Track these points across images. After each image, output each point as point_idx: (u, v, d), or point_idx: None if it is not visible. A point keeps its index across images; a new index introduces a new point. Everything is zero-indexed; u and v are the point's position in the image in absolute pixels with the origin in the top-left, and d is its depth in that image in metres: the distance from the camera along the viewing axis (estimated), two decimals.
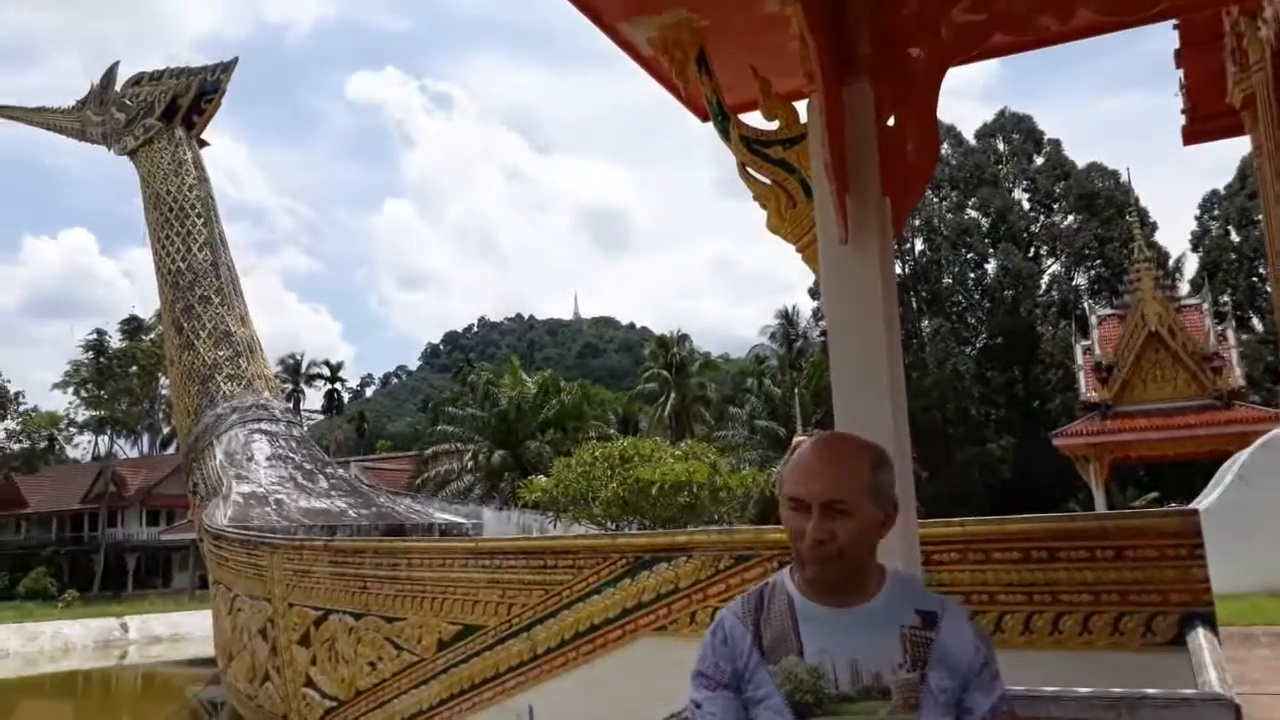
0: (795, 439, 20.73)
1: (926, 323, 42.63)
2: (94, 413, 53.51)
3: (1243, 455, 16.62)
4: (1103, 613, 6.26)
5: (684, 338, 53.68)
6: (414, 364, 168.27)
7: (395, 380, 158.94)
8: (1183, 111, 7.67)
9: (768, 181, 5.22)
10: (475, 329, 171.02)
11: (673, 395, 48.82)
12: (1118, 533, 6.28)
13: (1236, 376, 23.69)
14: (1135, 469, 31.79)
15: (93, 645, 32.88)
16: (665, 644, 8.69)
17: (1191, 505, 10.34)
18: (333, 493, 19.50)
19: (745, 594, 1.72)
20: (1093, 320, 26.78)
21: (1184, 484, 24.19)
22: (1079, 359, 26.44)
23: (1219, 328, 24.62)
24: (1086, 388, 25.31)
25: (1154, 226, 42.31)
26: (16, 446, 64.50)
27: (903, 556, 3.26)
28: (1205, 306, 25.41)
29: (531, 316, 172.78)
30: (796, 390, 29.54)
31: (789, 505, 1.61)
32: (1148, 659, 5.96)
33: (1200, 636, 5.68)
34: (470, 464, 39.89)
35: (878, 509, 1.60)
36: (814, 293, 47.33)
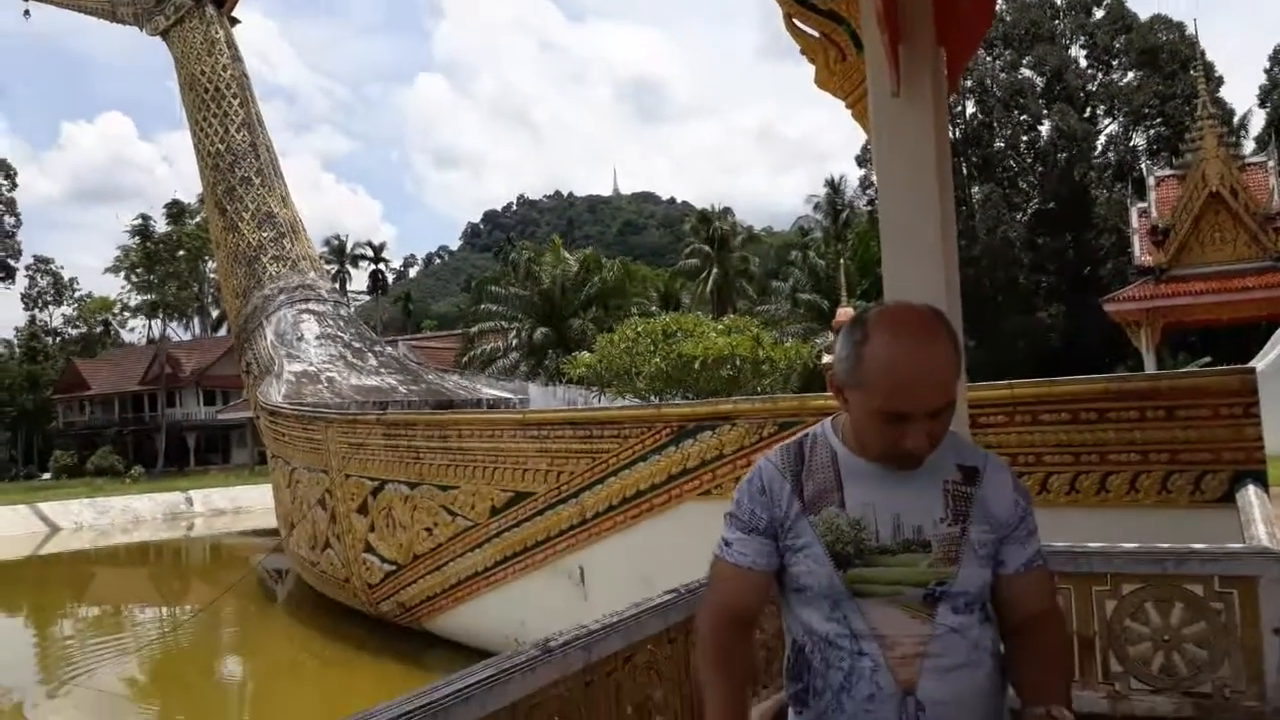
0: (840, 312, 20.51)
1: (977, 189, 41.39)
2: (145, 297, 54.67)
3: None
4: (1151, 472, 6.24)
5: (726, 211, 52.99)
6: (455, 244, 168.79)
7: (438, 260, 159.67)
8: None
9: (815, 34, 4.99)
10: (515, 207, 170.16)
11: (715, 270, 48.46)
12: (1170, 392, 6.19)
13: None
14: (1188, 334, 31.19)
15: (161, 518, 34.48)
16: (710, 508, 8.89)
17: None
18: (382, 370, 19.83)
19: (784, 445, 1.70)
20: (1150, 182, 25.83)
21: (1238, 349, 23.64)
22: (1134, 222, 25.65)
23: None
24: (1141, 252, 24.63)
25: (1219, 81, 40.16)
26: (74, 331, 66.47)
27: (954, 420, 3.22)
28: (1271, 165, 24.34)
29: (571, 193, 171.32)
30: (842, 262, 29.08)
31: (882, 418, 1.50)
32: (1196, 516, 5.97)
33: (1250, 494, 5.64)
34: (514, 342, 40.25)
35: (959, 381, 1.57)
36: (861, 159, 46.07)
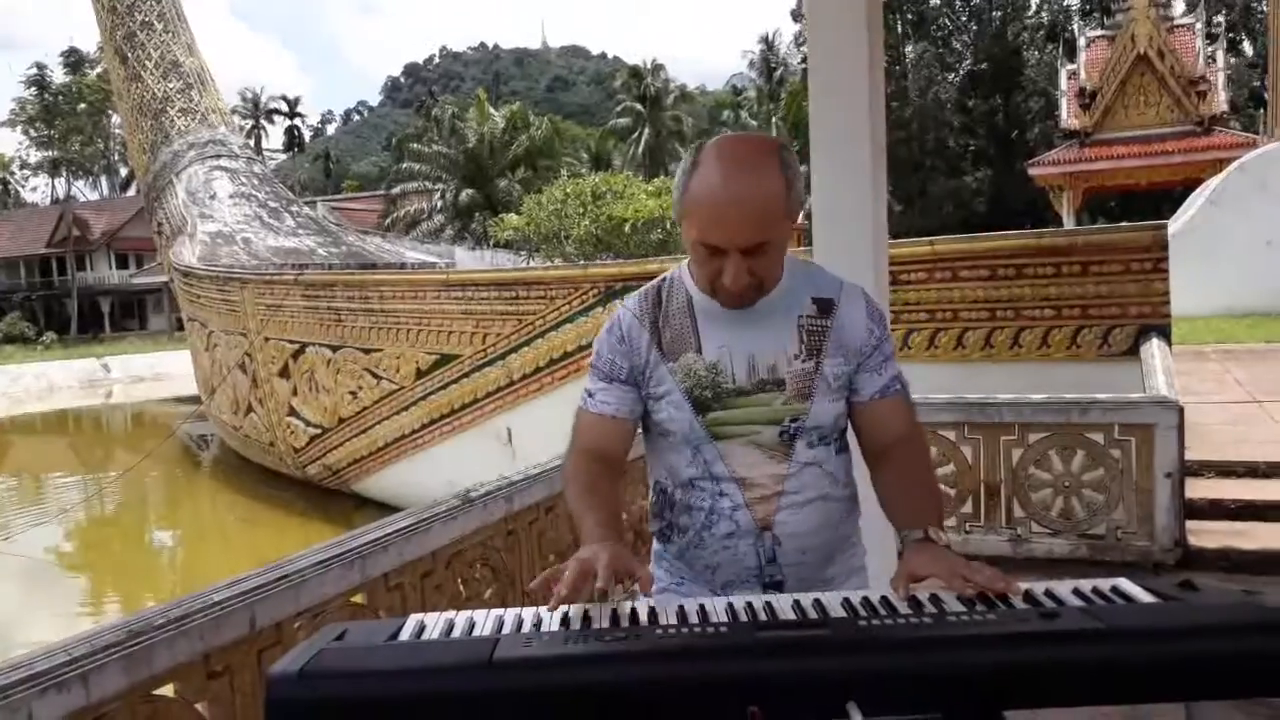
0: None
1: (910, 48, 40.89)
2: (46, 153, 51.63)
3: (1215, 180, 16.61)
4: (1063, 327, 6.44)
5: (659, 68, 51.43)
6: (375, 99, 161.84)
7: (357, 117, 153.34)
8: None
9: None
10: (437, 60, 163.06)
11: (646, 130, 47.43)
12: (1085, 248, 6.33)
13: (1220, 101, 23.19)
14: (1108, 199, 31.84)
15: (77, 385, 33.55)
16: None
17: None
18: (300, 231, 19.22)
19: (642, 290, 1.66)
20: (1081, 43, 25.74)
21: (1155, 214, 24.23)
22: (1063, 84, 25.68)
23: (1209, 49, 23.80)
24: (1068, 115, 24.78)
25: None
26: None
27: (872, 278, 3.21)
28: (1198, 27, 24.41)
29: (496, 46, 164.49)
30: (774, 121, 28.69)
31: (702, 250, 1.46)
32: (1103, 370, 6.20)
33: (1154, 346, 5.87)
34: (440, 203, 39.23)
35: (792, 222, 1.49)
36: (797, 14, 44.95)
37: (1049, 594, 1.28)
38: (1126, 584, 1.30)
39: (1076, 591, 1.29)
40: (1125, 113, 23.46)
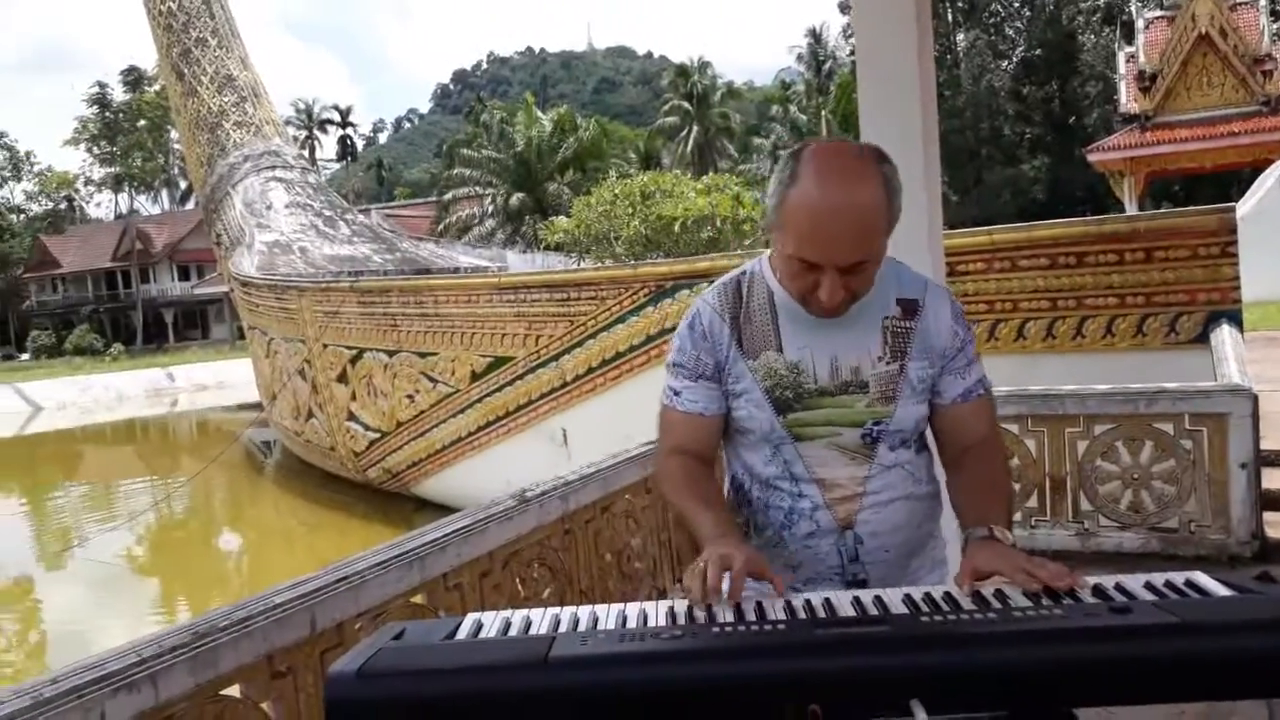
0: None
1: (962, 36, 40.20)
2: (109, 170, 53.15)
3: None
4: (1127, 315, 6.27)
5: (705, 65, 51.29)
6: (425, 107, 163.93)
7: (408, 125, 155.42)
8: None
9: None
10: (485, 66, 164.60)
11: (694, 128, 47.31)
12: (1149, 234, 6.15)
13: None
14: (1172, 183, 30.98)
15: (144, 395, 34.49)
16: None
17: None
18: (355, 239, 19.52)
19: (721, 284, 1.64)
20: (1139, 24, 25.05)
21: (1222, 198, 23.49)
22: (1121, 68, 25.02)
23: (1275, 27, 23.01)
24: (1127, 98, 24.12)
25: None
26: (37, 208, 64.77)
27: (929, 270, 3.15)
28: (1262, 4, 23.60)
29: (543, 49, 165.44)
30: (824, 115, 28.42)
31: (797, 264, 1.43)
32: (1170, 358, 6.02)
33: (1224, 333, 5.68)
34: (490, 208, 39.56)
35: (889, 235, 1.45)
36: (844, 6, 44.44)
37: (1120, 588, 1.24)
38: (1201, 577, 1.25)
39: (1149, 585, 1.24)
40: (1187, 94, 22.77)
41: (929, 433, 1.64)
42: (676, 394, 1.61)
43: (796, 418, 1.55)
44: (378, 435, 12.54)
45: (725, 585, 1.28)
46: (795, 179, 1.41)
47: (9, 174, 63.42)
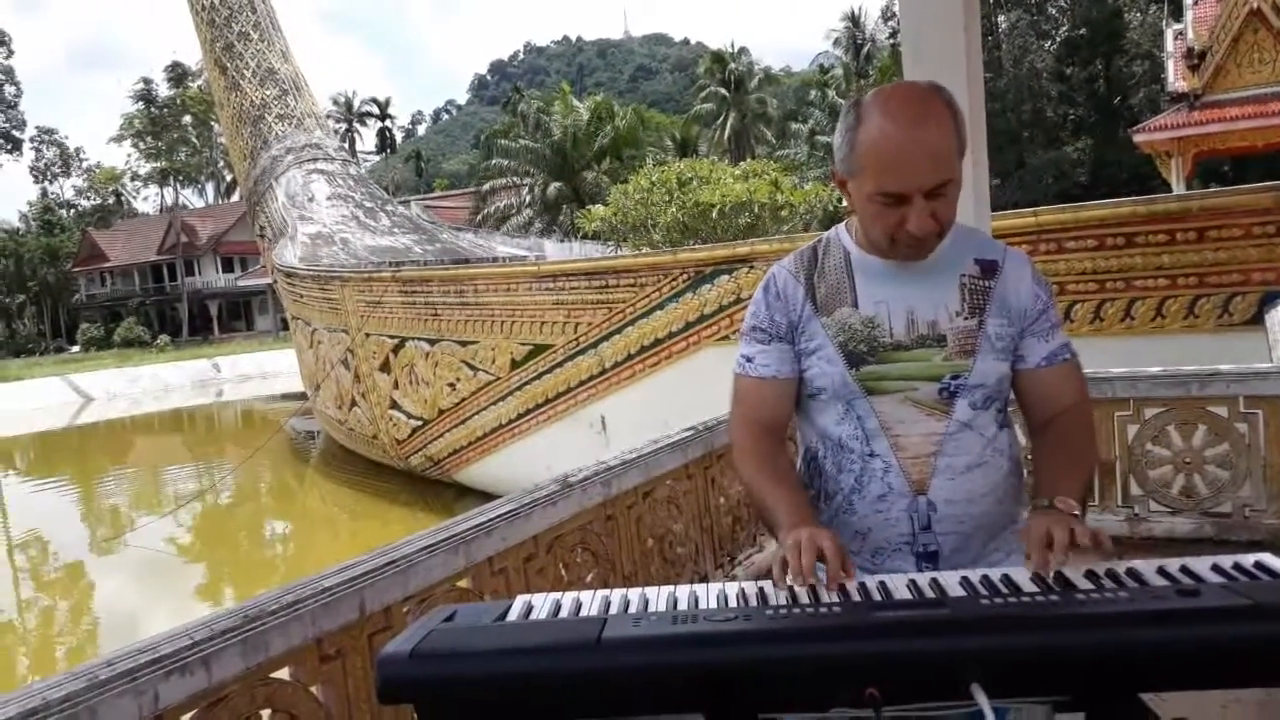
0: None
1: (1003, 17, 39.50)
2: (155, 164, 54.06)
3: None
4: (1178, 296, 6.12)
5: (742, 51, 50.95)
6: (463, 98, 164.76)
7: (446, 116, 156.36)
8: None
9: None
10: (522, 56, 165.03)
11: (731, 114, 47.06)
12: (1201, 213, 6.00)
13: None
14: (1221, 164, 30.24)
15: (190, 386, 35.15)
16: (729, 352, 8.86)
17: None
18: (395, 230, 19.67)
19: (797, 250, 1.64)
20: (1187, 1, 24.47)
21: (1270, 178, 22.93)
22: (1169, 45, 24.44)
23: None
24: (1175, 77, 23.55)
25: None
26: (86, 203, 66.13)
27: None
28: None
29: (579, 38, 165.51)
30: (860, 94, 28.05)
31: (880, 200, 1.43)
32: (1222, 340, 5.87)
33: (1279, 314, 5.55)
34: (528, 198, 39.67)
35: (961, 159, 1.46)
36: None
37: (1185, 570, 1.21)
38: (1270, 559, 1.21)
39: (1216, 568, 1.21)
40: (1239, 72, 22.17)
41: (1014, 407, 1.61)
42: (749, 360, 1.61)
43: (870, 370, 1.53)
44: (420, 423, 12.66)
45: (816, 568, 1.27)
46: (862, 121, 1.43)
47: (59, 170, 64.89)
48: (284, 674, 2.04)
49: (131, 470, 21.44)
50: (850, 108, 1.47)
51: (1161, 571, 1.21)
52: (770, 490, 1.49)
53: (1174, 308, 6.04)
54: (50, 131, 64.63)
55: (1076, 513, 1.37)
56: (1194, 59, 22.58)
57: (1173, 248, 6.02)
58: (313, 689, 2.08)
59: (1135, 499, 4.69)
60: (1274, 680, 1.09)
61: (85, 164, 65.70)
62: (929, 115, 1.41)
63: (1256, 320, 5.74)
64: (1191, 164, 23.56)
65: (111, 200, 66.78)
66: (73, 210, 66.17)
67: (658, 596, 1.23)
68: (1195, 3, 24.11)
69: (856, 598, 1.22)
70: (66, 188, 66.55)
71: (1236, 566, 1.21)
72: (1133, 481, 4.67)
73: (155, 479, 19.52)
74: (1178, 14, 25.01)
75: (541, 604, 1.24)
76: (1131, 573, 1.21)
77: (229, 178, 60.55)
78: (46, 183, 65.07)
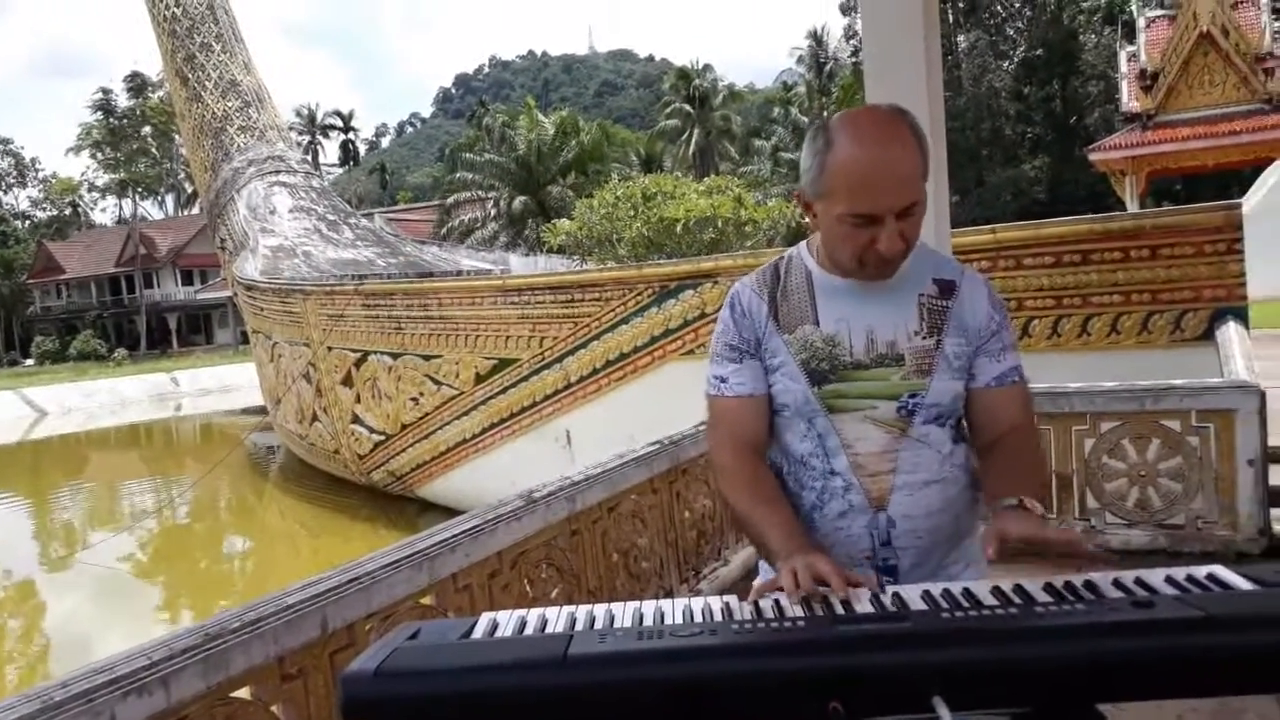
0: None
1: (963, 37, 40.17)
2: (113, 176, 53.26)
3: None
4: (1132, 313, 6.25)
5: (707, 68, 51.37)
6: (427, 111, 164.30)
7: (410, 129, 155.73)
8: None
9: None
10: (487, 69, 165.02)
11: (696, 131, 47.39)
12: (1154, 231, 6.14)
13: None
14: (1173, 183, 30.94)
15: (148, 400, 34.52)
16: (694, 367, 8.92)
17: None
18: (359, 243, 19.53)
19: (759, 269, 1.67)
20: (1140, 23, 25.05)
21: (1223, 196, 23.48)
22: (1123, 67, 25.01)
23: (1276, 25, 22.98)
24: (1129, 98, 24.11)
25: None
26: (42, 214, 64.91)
27: None
28: (1263, 2, 23.59)
29: (545, 53, 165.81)
30: (825, 116, 28.36)
31: (851, 222, 1.45)
32: (1175, 355, 6.00)
33: (1230, 330, 5.66)
34: (493, 211, 39.58)
35: (926, 180, 1.49)
36: (845, 7, 44.45)
37: (1140, 583, 1.23)
38: (1223, 571, 1.24)
39: (1170, 580, 1.23)
40: (1189, 93, 22.75)
41: (965, 423, 1.64)
42: (724, 380, 1.63)
43: (831, 389, 1.56)
44: (382, 438, 12.54)
45: (815, 587, 1.27)
46: (831, 144, 1.46)
47: (14, 180, 63.62)
48: (244, 693, 2.01)
49: (87, 486, 21.00)
50: (818, 131, 1.50)
51: (1117, 584, 1.23)
52: (762, 515, 1.50)
53: (1128, 324, 6.17)
54: (5, 141, 63.43)
55: (1042, 514, 1.41)
56: (1147, 80, 23.12)
57: (1127, 265, 6.15)
58: (274, 708, 2.05)
59: (1092, 511, 4.77)
60: (1227, 690, 1.11)
61: (41, 174, 64.53)
62: (897, 138, 1.44)
63: (1207, 336, 5.87)
64: (1145, 182, 24.09)
65: (68, 211, 65.59)
66: (28, 221, 64.89)
67: (623, 612, 1.23)
68: (1147, 26, 24.70)
69: (819, 612, 1.23)
70: (22, 198, 65.33)
71: (1190, 578, 1.23)
72: (1089, 494, 4.75)
73: (111, 495, 19.13)
74: (1131, 36, 25.61)
75: (507, 621, 1.24)
76: (1088, 585, 1.24)
77: (190, 189, 59.74)
78: (1, 193, 63.83)
